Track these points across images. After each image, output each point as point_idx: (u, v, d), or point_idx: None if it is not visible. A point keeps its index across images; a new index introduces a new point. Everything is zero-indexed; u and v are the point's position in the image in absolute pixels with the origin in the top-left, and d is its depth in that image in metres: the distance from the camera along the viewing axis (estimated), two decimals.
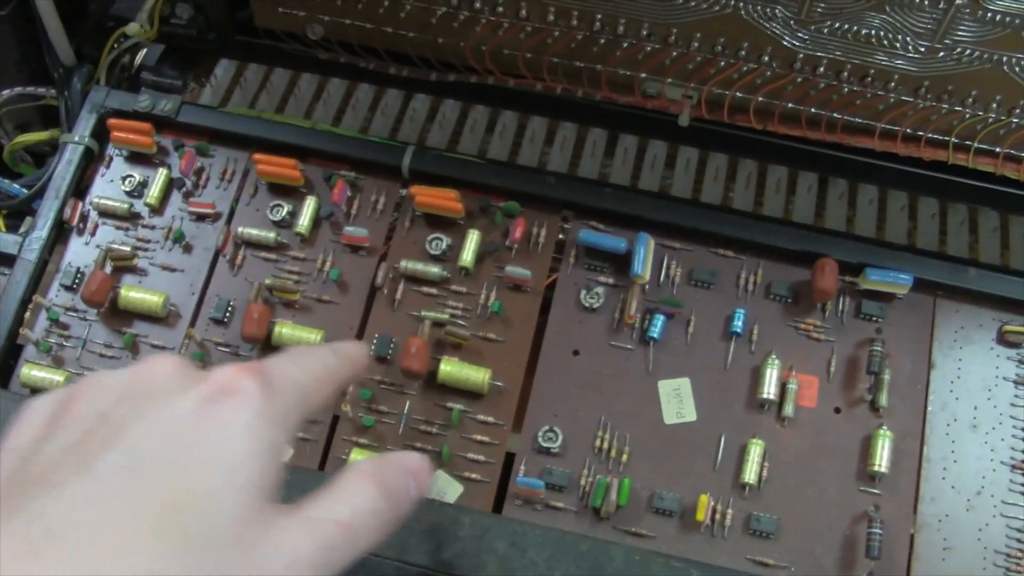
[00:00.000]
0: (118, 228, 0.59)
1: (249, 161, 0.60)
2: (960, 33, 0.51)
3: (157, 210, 0.59)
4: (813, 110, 0.57)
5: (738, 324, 0.54)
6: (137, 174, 0.60)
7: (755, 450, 0.51)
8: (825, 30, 0.53)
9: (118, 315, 0.57)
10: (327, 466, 0.53)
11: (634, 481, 0.51)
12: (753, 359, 0.54)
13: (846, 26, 0.53)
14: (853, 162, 0.59)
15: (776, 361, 0.53)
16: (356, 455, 0.52)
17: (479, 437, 0.53)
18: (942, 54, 0.53)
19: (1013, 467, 0.51)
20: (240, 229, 0.58)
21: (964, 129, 0.56)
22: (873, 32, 0.53)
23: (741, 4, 0.53)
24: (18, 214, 0.64)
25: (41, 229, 0.59)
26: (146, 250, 0.58)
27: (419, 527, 0.46)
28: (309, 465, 0.52)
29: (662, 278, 0.56)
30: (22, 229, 0.62)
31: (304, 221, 0.58)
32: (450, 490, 0.52)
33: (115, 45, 0.65)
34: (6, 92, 0.65)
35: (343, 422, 0.54)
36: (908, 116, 0.56)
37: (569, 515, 0.51)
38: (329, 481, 0.30)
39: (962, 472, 0.51)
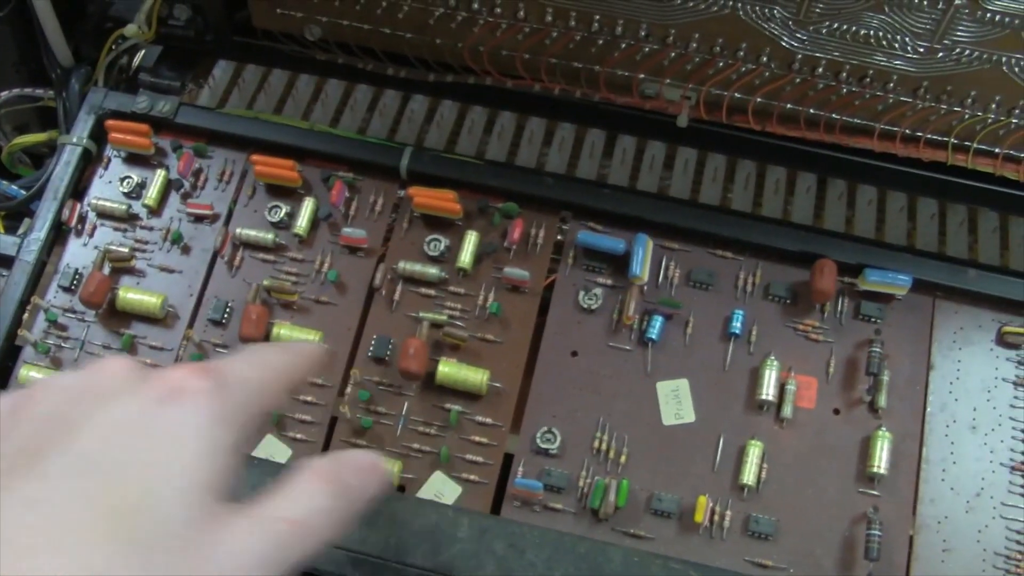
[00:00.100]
0: (116, 229, 0.59)
1: (247, 162, 0.60)
2: (959, 33, 0.51)
3: (155, 211, 0.59)
4: (812, 111, 0.57)
5: (737, 325, 0.54)
6: (135, 175, 0.60)
7: (754, 451, 0.51)
8: (824, 30, 0.53)
9: (116, 316, 0.57)
10: None
11: (633, 482, 0.51)
12: (752, 360, 0.54)
13: (845, 26, 0.53)
14: (852, 163, 0.59)
15: (775, 362, 0.53)
16: None
17: (477, 438, 0.53)
18: (941, 54, 0.53)
19: (1012, 469, 0.51)
20: (238, 230, 0.58)
21: (963, 130, 0.56)
22: (872, 32, 0.52)
23: (739, 5, 0.53)
24: (16, 215, 0.64)
25: (39, 230, 0.59)
26: (144, 251, 0.58)
27: (418, 528, 0.46)
28: None
29: (661, 279, 0.56)
30: (20, 230, 0.61)
31: (302, 222, 0.58)
32: (448, 491, 0.52)
33: (113, 46, 0.65)
34: (4, 93, 0.65)
35: (341, 423, 0.53)
36: (907, 117, 0.56)
37: (567, 516, 0.51)
38: (282, 480, 0.30)
39: (961, 473, 0.51)
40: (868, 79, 0.55)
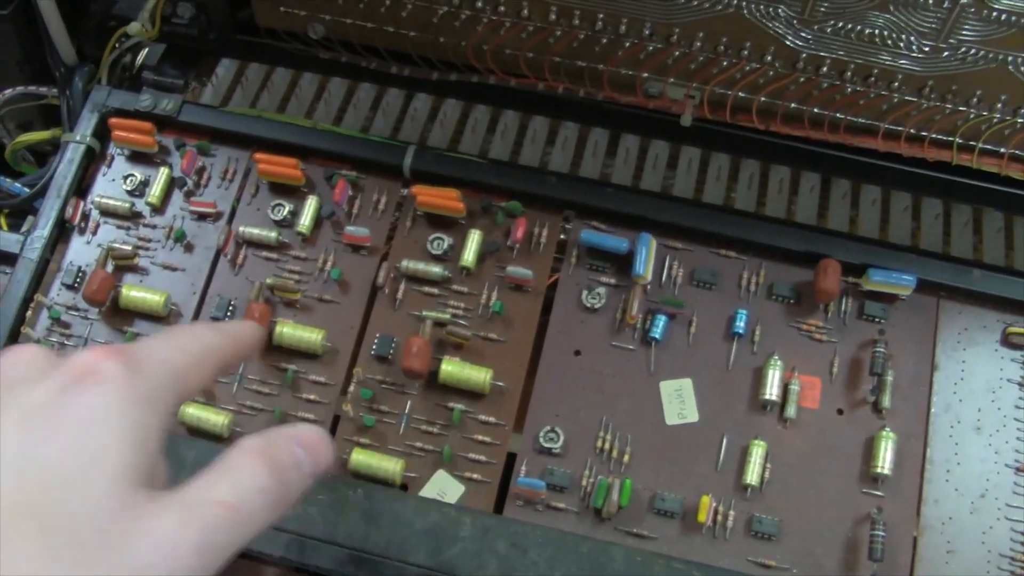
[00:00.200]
0: (119, 227, 0.59)
1: (250, 160, 0.60)
2: (965, 32, 0.51)
3: (158, 209, 0.59)
4: (816, 110, 0.57)
5: (740, 325, 0.54)
6: (138, 173, 0.60)
7: (757, 451, 0.51)
8: (828, 30, 0.53)
9: (119, 314, 0.57)
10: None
11: (635, 482, 0.51)
12: (755, 360, 0.54)
13: (849, 25, 0.52)
14: (856, 162, 0.59)
15: (778, 362, 0.53)
16: (357, 455, 0.52)
17: (480, 437, 0.52)
18: (946, 54, 0.52)
19: (1017, 470, 0.51)
20: (241, 228, 0.58)
21: (968, 129, 0.56)
22: (877, 32, 0.52)
23: (744, 3, 0.53)
24: (20, 213, 0.64)
25: (43, 228, 0.59)
26: (147, 249, 0.58)
27: (420, 527, 0.46)
28: None
29: (664, 278, 0.56)
30: (24, 228, 0.62)
31: (305, 220, 0.58)
32: (451, 490, 0.51)
33: (117, 44, 0.65)
34: (8, 91, 0.66)
35: (344, 422, 0.53)
36: (912, 116, 0.56)
37: (570, 516, 0.51)
38: (216, 460, 0.28)
39: (965, 474, 0.51)
40: (873, 78, 0.55)
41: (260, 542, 0.46)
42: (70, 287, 0.58)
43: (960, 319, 0.54)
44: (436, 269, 0.56)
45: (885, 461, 0.50)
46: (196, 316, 0.57)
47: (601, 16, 0.55)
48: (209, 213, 0.59)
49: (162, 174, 0.60)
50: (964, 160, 0.57)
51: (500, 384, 0.53)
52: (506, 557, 0.45)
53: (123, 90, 0.63)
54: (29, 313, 0.57)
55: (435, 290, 0.56)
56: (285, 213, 0.58)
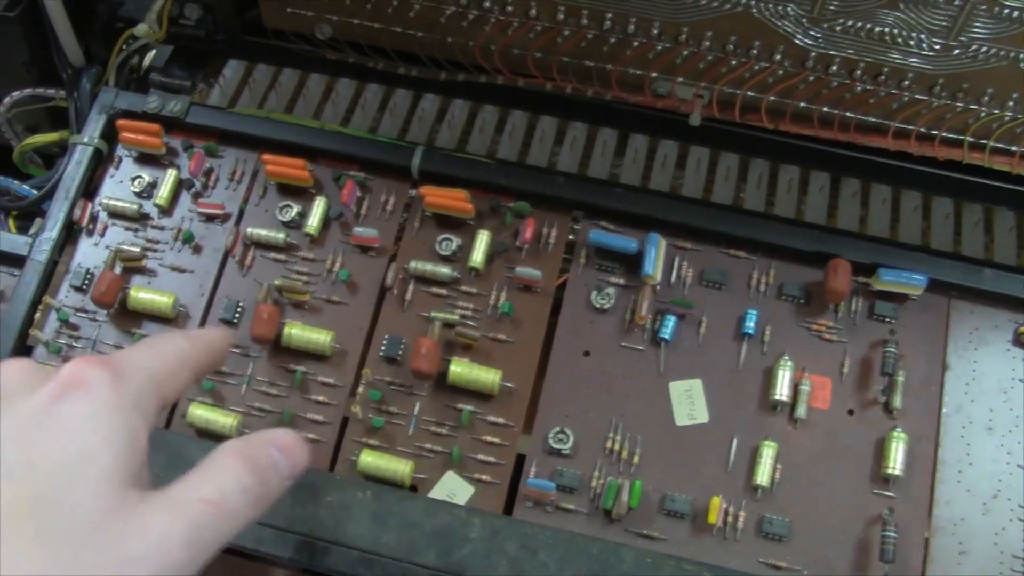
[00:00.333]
0: (127, 229, 0.59)
1: (258, 162, 0.60)
2: (976, 30, 0.51)
3: (166, 211, 0.59)
4: (825, 109, 0.57)
5: (750, 325, 0.53)
6: (146, 175, 0.60)
7: (767, 452, 0.51)
8: (838, 28, 0.53)
9: (128, 316, 0.57)
10: (336, 468, 0.52)
11: (645, 483, 0.51)
12: (765, 360, 0.53)
13: (859, 24, 0.52)
14: (866, 161, 0.59)
15: (788, 362, 0.53)
16: (366, 457, 0.52)
17: (489, 438, 0.52)
18: (957, 52, 0.52)
19: None
20: (249, 230, 0.58)
21: (979, 128, 0.55)
22: (887, 30, 0.52)
23: (753, 2, 0.53)
24: (28, 215, 0.64)
25: (51, 230, 0.59)
26: (155, 251, 0.58)
27: (430, 528, 0.46)
28: (319, 467, 0.52)
29: (673, 279, 0.56)
30: (32, 230, 0.62)
31: (313, 222, 0.57)
32: (460, 491, 0.51)
33: (124, 46, 0.65)
34: (16, 93, 0.66)
35: (353, 423, 0.53)
36: (922, 115, 0.56)
37: (580, 517, 0.51)
38: (200, 461, 0.31)
39: (977, 475, 0.51)
40: (883, 77, 0.54)
41: (269, 544, 0.46)
42: (78, 289, 0.58)
43: (971, 319, 0.54)
44: (445, 270, 0.56)
45: (896, 462, 0.50)
46: (204, 317, 0.57)
47: (609, 16, 0.55)
48: (217, 214, 0.59)
49: (170, 176, 0.60)
50: (975, 159, 0.57)
51: (509, 385, 0.53)
52: (516, 558, 0.45)
53: (130, 92, 0.63)
54: (37, 315, 0.57)
55: (444, 291, 0.56)
56: (293, 214, 0.58)
